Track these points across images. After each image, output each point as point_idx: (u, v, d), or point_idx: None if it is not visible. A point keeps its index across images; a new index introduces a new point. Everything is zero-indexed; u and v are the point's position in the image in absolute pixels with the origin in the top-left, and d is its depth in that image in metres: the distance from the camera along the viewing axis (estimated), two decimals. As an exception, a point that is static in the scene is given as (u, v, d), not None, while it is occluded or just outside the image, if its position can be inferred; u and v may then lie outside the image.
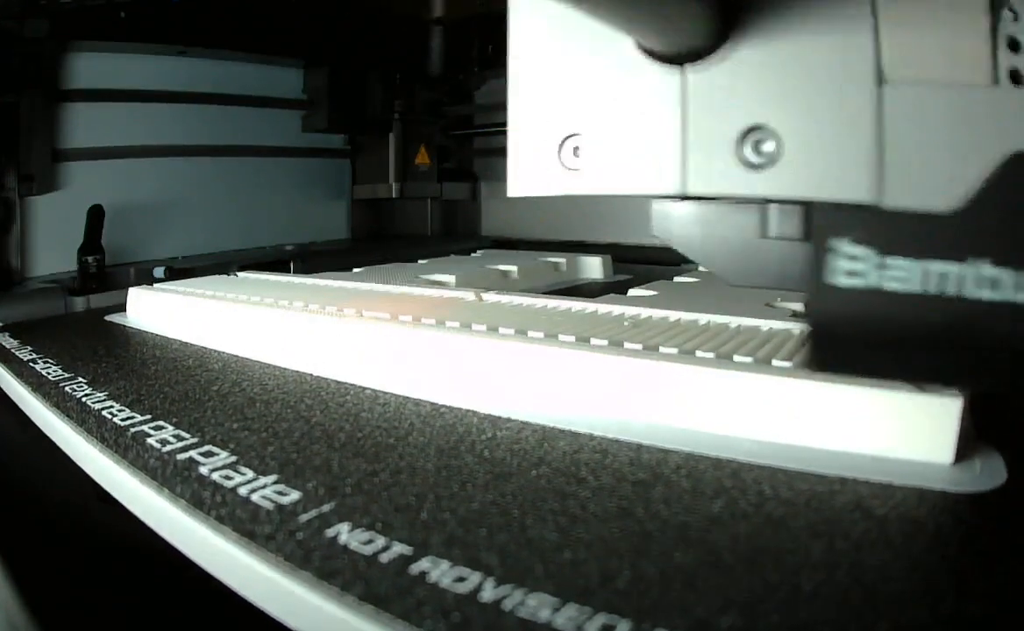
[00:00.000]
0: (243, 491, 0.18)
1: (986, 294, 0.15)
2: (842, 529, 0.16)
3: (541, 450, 0.20)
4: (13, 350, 0.34)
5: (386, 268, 0.53)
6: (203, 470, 0.19)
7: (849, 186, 0.17)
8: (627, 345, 0.24)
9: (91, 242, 0.56)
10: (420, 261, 0.57)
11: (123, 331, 0.38)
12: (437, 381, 0.26)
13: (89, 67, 0.62)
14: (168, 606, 0.17)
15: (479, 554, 0.15)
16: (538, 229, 0.82)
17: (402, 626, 0.12)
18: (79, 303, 0.53)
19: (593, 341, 0.25)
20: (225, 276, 0.48)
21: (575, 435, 0.21)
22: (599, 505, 0.17)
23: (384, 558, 0.15)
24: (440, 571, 0.14)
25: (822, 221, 0.17)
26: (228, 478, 0.18)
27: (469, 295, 0.36)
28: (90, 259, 0.56)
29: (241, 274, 0.49)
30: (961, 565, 0.14)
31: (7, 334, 0.38)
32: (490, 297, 0.35)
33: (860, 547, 0.15)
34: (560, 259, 0.57)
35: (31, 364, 0.31)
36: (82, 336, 0.37)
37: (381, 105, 0.78)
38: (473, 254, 0.64)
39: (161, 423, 0.23)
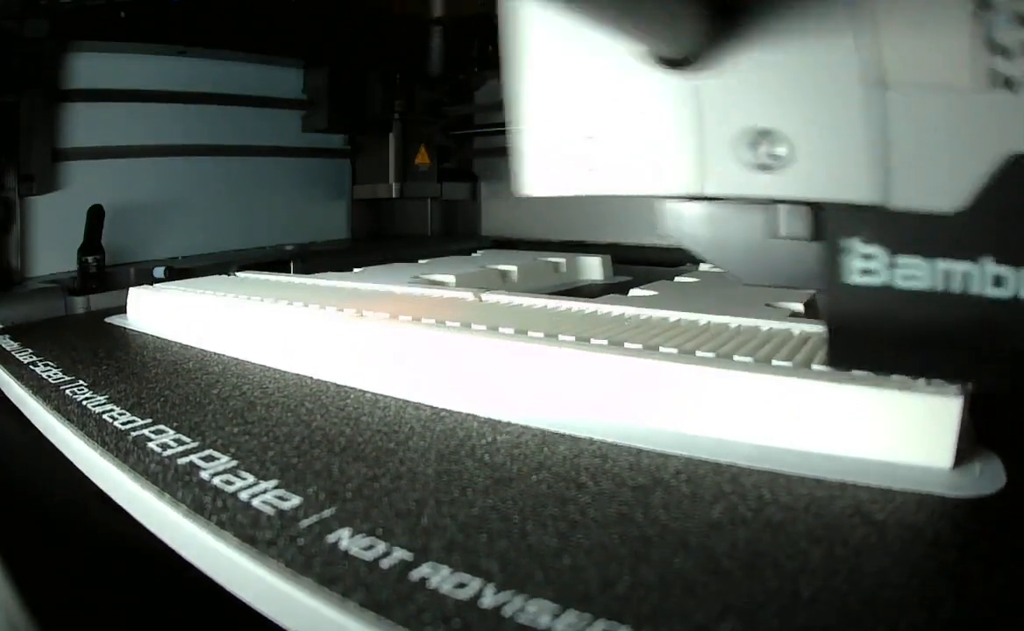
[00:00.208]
0: (244, 496, 0.18)
1: (993, 292, 0.16)
2: (841, 534, 0.16)
3: (541, 454, 0.20)
4: (13, 352, 0.34)
5: (386, 268, 0.53)
6: (204, 475, 0.19)
7: (856, 187, 0.17)
8: (627, 345, 0.24)
9: (91, 242, 0.56)
10: (420, 261, 0.57)
11: (123, 333, 0.38)
12: (437, 382, 0.26)
13: (89, 67, 0.62)
14: (168, 606, 0.17)
15: (479, 560, 0.15)
16: (538, 229, 0.82)
17: (403, 632, 0.13)
18: (79, 303, 0.53)
19: (593, 341, 0.25)
20: (225, 276, 0.48)
21: (575, 439, 0.21)
22: (599, 510, 0.17)
23: (385, 564, 0.15)
24: (441, 577, 0.14)
25: (834, 221, 0.17)
26: (229, 483, 0.18)
27: (468, 295, 0.36)
28: (90, 259, 0.56)
29: (240, 274, 0.49)
30: (959, 571, 0.14)
31: (7, 336, 0.38)
32: (490, 297, 0.35)
33: (859, 552, 0.15)
34: (560, 259, 0.57)
35: (31, 367, 0.31)
36: (82, 338, 0.37)
37: (381, 105, 0.78)
38: (473, 254, 0.64)
39: (162, 427, 0.23)
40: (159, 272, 0.59)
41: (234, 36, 0.70)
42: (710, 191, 0.20)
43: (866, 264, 0.17)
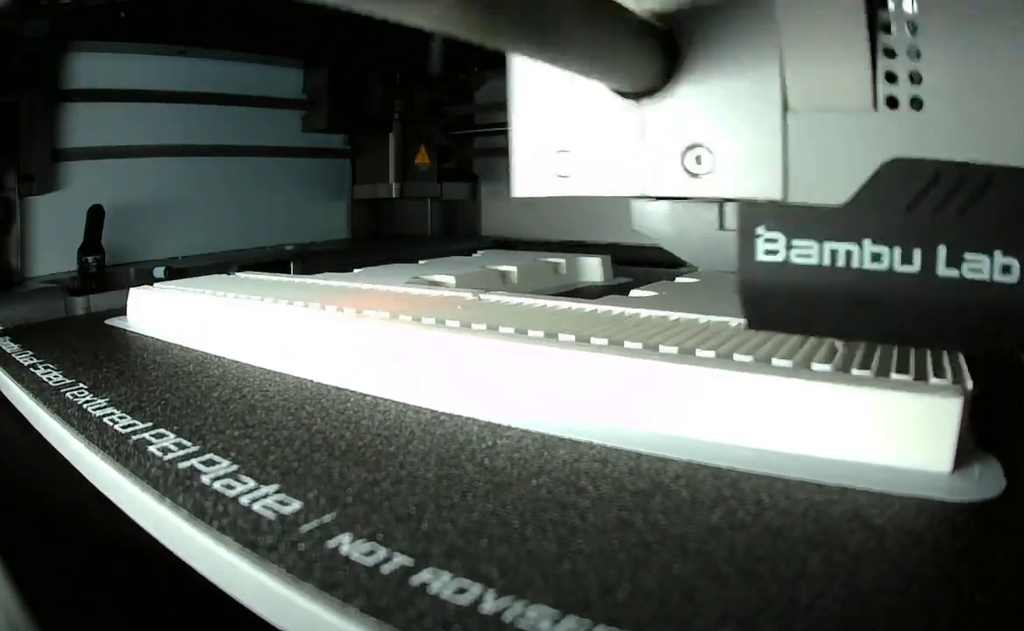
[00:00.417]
0: (244, 501, 0.18)
1: (871, 266, 0.20)
2: (840, 540, 0.16)
3: (541, 459, 0.20)
4: (14, 354, 0.34)
5: (386, 268, 0.53)
6: (205, 479, 0.19)
7: (764, 188, 0.23)
8: (626, 344, 0.24)
9: (91, 242, 0.57)
10: (420, 261, 0.57)
11: (123, 335, 0.38)
12: (436, 383, 0.26)
13: (89, 67, 0.62)
14: (168, 607, 0.17)
15: (480, 565, 0.15)
16: (538, 229, 0.82)
17: (404, 639, 0.13)
18: (79, 303, 0.53)
19: (593, 340, 0.25)
20: (225, 276, 0.48)
21: (575, 443, 0.21)
22: (599, 516, 0.17)
23: (386, 569, 0.15)
24: (441, 582, 0.14)
25: (745, 214, 0.21)
26: (230, 487, 0.19)
27: (468, 295, 0.36)
28: (90, 259, 0.56)
29: (240, 274, 0.49)
30: (958, 576, 0.14)
31: (7, 338, 0.38)
32: (490, 297, 0.35)
33: (858, 558, 0.15)
34: (560, 259, 0.57)
35: (32, 369, 0.31)
36: (83, 340, 0.37)
37: (381, 105, 0.78)
38: (474, 254, 0.64)
39: (162, 431, 0.23)
40: (159, 272, 0.59)
41: (234, 36, 0.70)
42: (659, 192, 0.26)
43: (769, 246, 0.21)
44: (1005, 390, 0.25)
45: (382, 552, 0.15)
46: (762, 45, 0.23)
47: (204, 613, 0.16)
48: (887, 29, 0.22)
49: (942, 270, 0.19)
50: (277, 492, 0.18)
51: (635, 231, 0.30)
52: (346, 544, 0.16)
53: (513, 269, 0.51)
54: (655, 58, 0.23)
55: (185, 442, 0.22)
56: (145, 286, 0.43)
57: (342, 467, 0.20)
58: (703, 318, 0.28)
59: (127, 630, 0.16)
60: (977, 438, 0.20)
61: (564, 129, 0.27)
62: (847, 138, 0.22)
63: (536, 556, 0.15)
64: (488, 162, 0.89)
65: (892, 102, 0.22)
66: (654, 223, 0.28)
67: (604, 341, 0.25)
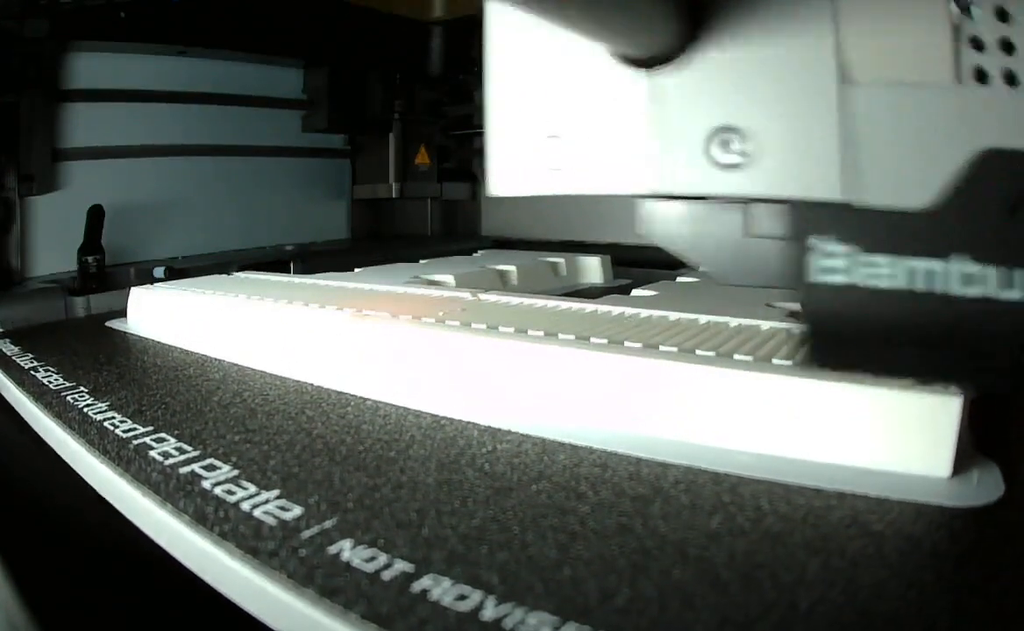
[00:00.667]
0: (245, 507, 0.18)
1: (965, 290, 0.16)
2: (838, 545, 0.16)
3: (541, 464, 0.20)
4: (14, 357, 0.34)
5: (387, 268, 0.53)
6: (206, 484, 0.19)
7: (820, 184, 0.17)
8: (626, 344, 0.24)
9: (91, 242, 0.56)
10: (421, 261, 0.57)
11: (124, 338, 0.38)
12: (436, 384, 0.27)
13: (89, 67, 0.62)
14: (169, 607, 0.17)
15: (480, 572, 0.15)
16: (538, 229, 0.82)
17: (404, 647, 0.13)
18: (79, 303, 0.53)
19: (592, 339, 0.25)
20: (225, 276, 0.48)
21: (575, 448, 0.21)
22: (598, 521, 0.17)
23: (386, 576, 0.15)
24: (442, 589, 0.14)
25: (800, 219, 0.17)
26: (230, 493, 0.19)
27: (468, 296, 0.36)
28: (90, 259, 0.56)
29: (240, 274, 0.49)
30: (957, 582, 0.14)
31: (8, 340, 0.38)
32: (489, 298, 0.35)
33: (856, 564, 0.15)
34: (559, 259, 0.57)
35: (32, 372, 0.31)
36: (83, 343, 0.37)
37: (381, 105, 0.78)
38: (474, 254, 0.64)
39: (163, 435, 0.23)
40: (159, 272, 0.59)
41: (234, 36, 0.70)
42: (675, 190, 0.20)
43: (830, 262, 0.17)
44: (1004, 394, 0.25)
45: (383, 558, 0.15)
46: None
47: (205, 617, 0.16)
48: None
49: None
50: (278, 498, 0.18)
51: (635, 232, 0.25)
52: (347, 550, 0.16)
53: (513, 269, 0.51)
54: (674, 11, 0.18)
55: (186, 447, 0.22)
56: (145, 286, 0.43)
57: (343, 472, 0.20)
58: (703, 318, 0.28)
59: (126, 624, 0.16)
60: (976, 442, 0.20)
61: (554, 107, 0.21)
62: (924, 121, 0.17)
63: (536, 562, 0.15)
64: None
65: (980, 76, 0.17)
66: (665, 228, 0.23)
67: (604, 340, 0.25)
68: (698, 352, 0.23)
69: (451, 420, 0.24)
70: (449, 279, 0.46)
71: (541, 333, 0.26)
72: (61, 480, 0.23)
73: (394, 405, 0.26)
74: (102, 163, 0.63)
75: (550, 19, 0.17)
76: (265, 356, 0.32)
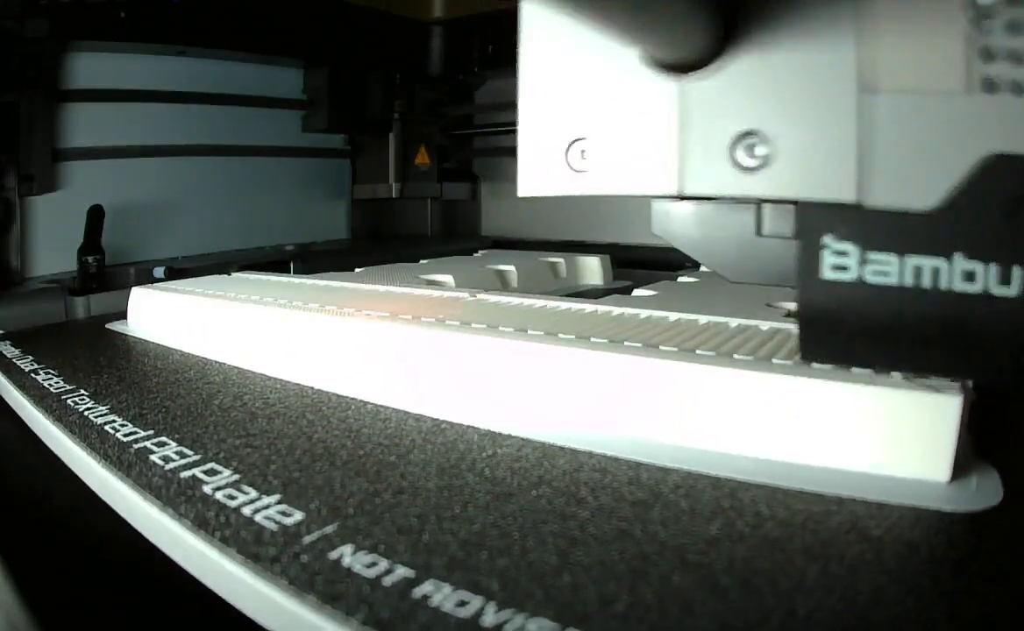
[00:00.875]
0: (247, 512, 0.18)
1: (965, 288, 0.17)
2: (837, 551, 0.16)
3: (541, 468, 0.20)
4: (15, 359, 0.34)
5: (386, 268, 0.53)
6: (207, 489, 0.19)
7: (835, 186, 0.18)
8: (626, 343, 0.25)
9: (91, 242, 0.56)
10: (421, 261, 0.57)
11: (124, 340, 0.38)
12: (436, 384, 0.27)
13: (89, 67, 0.62)
14: (169, 607, 0.17)
15: (480, 578, 0.15)
16: (538, 229, 0.82)
17: (405, 654, 0.13)
18: (79, 303, 0.53)
19: (592, 339, 0.25)
20: (225, 276, 0.48)
21: (575, 453, 0.21)
22: (598, 527, 0.17)
23: (387, 581, 0.15)
24: (442, 595, 0.14)
25: (809, 219, 0.18)
26: (231, 498, 0.19)
27: (468, 296, 0.36)
28: (90, 259, 0.56)
29: (239, 275, 0.49)
30: (955, 589, 0.14)
31: (8, 343, 0.38)
32: (489, 298, 0.35)
33: (855, 570, 0.15)
34: (559, 259, 0.57)
35: (33, 375, 0.31)
36: (83, 346, 0.37)
37: (381, 105, 0.78)
38: (475, 254, 0.65)
39: (164, 439, 0.23)
40: (159, 272, 0.59)
41: (234, 36, 0.70)
42: (694, 191, 0.21)
43: (839, 260, 0.18)
44: (1003, 397, 0.26)
45: (384, 564, 0.15)
46: (835, 9, 0.18)
47: (205, 621, 0.16)
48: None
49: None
50: (279, 503, 0.18)
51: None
52: (348, 556, 0.16)
53: (512, 269, 0.51)
54: (707, 19, 0.18)
55: (187, 451, 0.22)
56: (146, 286, 0.43)
57: (343, 477, 0.20)
58: (703, 318, 0.29)
59: (126, 624, 0.17)
60: (975, 447, 0.20)
61: (581, 112, 0.22)
62: (935, 127, 0.18)
63: (536, 568, 0.15)
64: (488, 162, 0.89)
65: (989, 85, 0.17)
66: (678, 227, 0.24)
67: (603, 340, 0.25)
68: (698, 352, 0.23)
69: (451, 424, 0.24)
70: (449, 279, 0.47)
71: (541, 333, 0.26)
72: (62, 483, 0.23)
73: (394, 409, 0.26)
74: (102, 163, 0.63)
75: (593, 23, 0.17)
76: (265, 359, 0.32)
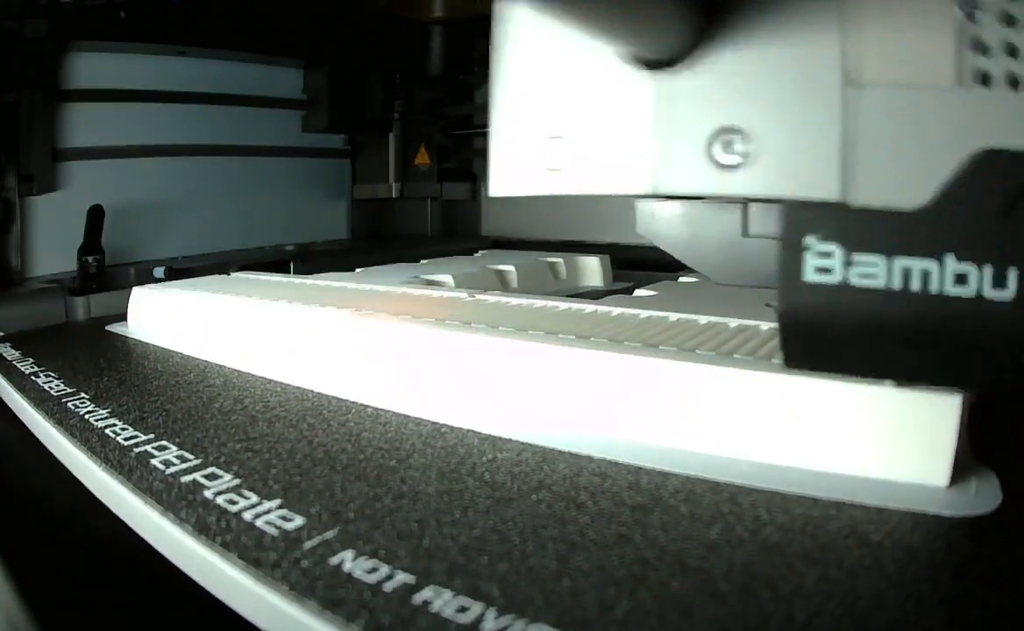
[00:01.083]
0: (248, 516, 0.18)
1: (955, 290, 0.16)
2: (837, 556, 0.16)
3: (541, 473, 0.20)
4: (15, 362, 0.34)
5: (387, 268, 0.53)
6: (207, 494, 0.19)
7: (818, 185, 0.17)
8: (625, 343, 0.25)
9: (91, 242, 0.56)
10: (421, 261, 0.57)
11: (124, 342, 0.39)
12: (436, 384, 0.27)
13: (89, 67, 0.62)
14: (168, 607, 0.17)
15: (480, 583, 0.15)
16: (538, 229, 0.82)
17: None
18: (79, 303, 0.53)
19: (592, 339, 0.25)
20: (225, 276, 0.48)
21: (575, 457, 0.21)
22: (598, 532, 0.17)
23: (388, 587, 0.15)
24: (443, 601, 0.14)
25: (791, 218, 0.17)
26: (232, 503, 0.19)
27: (469, 297, 0.36)
28: (90, 259, 0.56)
29: (239, 275, 0.49)
30: (954, 593, 0.14)
31: (8, 345, 0.38)
32: (489, 298, 0.35)
33: (854, 575, 0.15)
34: (558, 259, 0.57)
35: (33, 377, 0.31)
36: (84, 348, 0.37)
37: (381, 105, 0.78)
38: (475, 254, 0.65)
39: (164, 443, 0.23)
40: (159, 272, 0.59)
41: (234, 36, 0.70)
42: (669, 189, 0.20)
43: (822, 262, 0.17)
44: (1002, 401, 0.26)
45: (384, 569, 0.15)
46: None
47: (203, 605, 0.16)
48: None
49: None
50: (280, 507, 0.18)
51: (635, 232, 0.25)
52: (348, 561, 0.16)
53: (512, 269, 0.52)
54: (684, 12, 0.18)
55: (187, 455, 0.22)
56: (146, 287, 0.43)
57: (344, 482, 0.20)
58: (703, 319, 0.29)
59: (126, 624, 0.17)
60: (974, 450, 0.20)
61: (556, 108, 0.21)
62: (925, 122, 0.17)
63: (536, 573, 0.15)
64: (488, 162, 0.89)
65: (983, 78, 0.17)
66: (662, 228, 0.23)
67: (603, 340, 0.25)
68: (698, 352, 0.23)
69: (451, 428, 0.24)
70: (449, 279, 0.47)
71: (541, 333, 0.26)
72: (62, 485, 0.23)
73: (394, 412, 0.26)
74: (102, 163, 0.63)
75: (567, 20, 0.17)
76: (265, 361, 0.32)
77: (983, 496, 0.18)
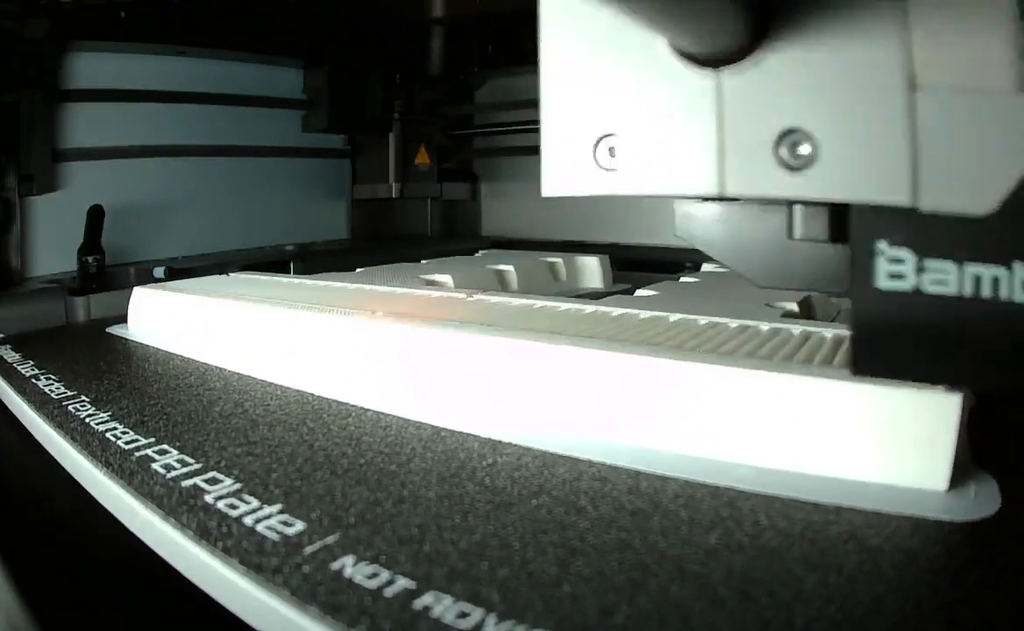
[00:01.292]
0: (248, 521, 0.18)
1: None
2: (836, 561, 0.16)
3: (541, 477, 0.20)
4: (15, 364, 0.34)
5: (387, 268, 0.53)
6: (208, 499, 0.19)
7: (885, 188, 0.17)
8: (626, 343, 0.25)
9: (91, 242, 0.56)
10: (422, 261, 0.57)
11: (124, 345, 0.39)
12: (436, 385, 0.27)
13: (89, 67, 0.62)
14: (168, 607, 0.17)
15: (481, 589, 0.15)
16: (538, 229, 0.82)
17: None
18: (79, 304, 0.53)
19: (592, 339, 0.25)
20: (225, 277, 0.48)
21: (574, 461, 0.21)
22: (598, 537, 0.17)
23: (388, 592, 0.15)
24: (443, 606, 0.14)
25: (861, 223, 0.17)
26: (233, 507, 0.19)
27: (469, 297, 0.36)
28: (90, 259, 0.56)
29: (239, 275, 0.49)
30: (953, 598, 0.14)
31: (9, 347, 0.38)
32: (490, 299, 0.35)
33: (853, 580, 0.15)
34: (558, 259, 0.57)
35: (34, 380, 0.31)
36: (84, 350, 0.37)
37: (381, 105, 0.78)
38: (476, 254, 0.65)
39: (165, 447, 0.23)
40: (159, 272, 0.59)
41: (234, 36, 0.70)
42: (732, 191, 0.19)
43: (894, 268, 0.17)
44: (1002, 404, 0.26)
45: (385, 575, 0.15)
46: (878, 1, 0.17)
47: (202, 605, 0.16)
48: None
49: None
50: (280, 512, 0.18)
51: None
52: (349, 566, 0.16)
53: (512, 269, 0.52)
54: (742, 9, 0.17)
55: (188, 459, 0.22)
56: (146, 287, 0.43)
57: (344, 486, 0.20)
58: (703, 319, 0.29)
59: (126, 624, 0.17)
60: (973, 455, 0.20)
61: (610, 107, 0.20)
62: (990, 127, 0.17)
63: (536, 579, 0.15)
64: (488, 162, 0.89)
65: None
66: (701, 230, 0.22)
67: (603, 340, 0.25)
68: (697, 351, 0.23)
69: (451, 432, 0.24)
70: (449, 279, 0.47)
71: (541, 332, 0.26)
72: (63, 487, 0.23)
73: (395, 416, 0.26)
74: (102, 163, 0.63)
75: (619, 9, 0.16)
76: (266, 363, 0.32)
77: (982, 501, 0.18)
